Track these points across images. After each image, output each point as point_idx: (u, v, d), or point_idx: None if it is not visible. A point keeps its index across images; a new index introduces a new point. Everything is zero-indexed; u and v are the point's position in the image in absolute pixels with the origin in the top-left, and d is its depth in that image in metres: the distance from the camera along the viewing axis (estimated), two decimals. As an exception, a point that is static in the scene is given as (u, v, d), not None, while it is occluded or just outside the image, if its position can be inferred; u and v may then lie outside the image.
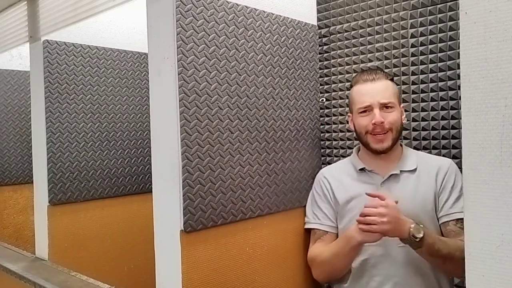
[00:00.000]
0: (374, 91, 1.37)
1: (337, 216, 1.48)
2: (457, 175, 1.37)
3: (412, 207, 1.34)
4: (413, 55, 1.51)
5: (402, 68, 1.54)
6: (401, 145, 1.47)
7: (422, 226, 1.25)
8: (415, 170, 1.39)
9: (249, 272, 1.44)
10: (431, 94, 1.48)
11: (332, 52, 1.72)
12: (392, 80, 1.44)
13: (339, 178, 1.50)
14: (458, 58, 1.36)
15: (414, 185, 1.38)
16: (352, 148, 1.61)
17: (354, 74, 1.62)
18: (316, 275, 1.52)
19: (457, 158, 1.44)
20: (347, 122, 1.54)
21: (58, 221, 2.02)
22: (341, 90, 1.70)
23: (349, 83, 1.67)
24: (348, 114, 1.50)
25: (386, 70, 1.54)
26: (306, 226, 1.57)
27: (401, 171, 1.40)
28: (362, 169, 1.45)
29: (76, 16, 1.85)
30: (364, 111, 1.38)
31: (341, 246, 1.38)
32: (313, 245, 1.52)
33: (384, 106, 1.36)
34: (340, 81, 1.70)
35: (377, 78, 1.38)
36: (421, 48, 1.49)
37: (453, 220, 1.33)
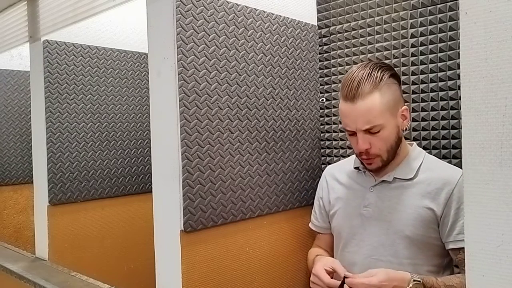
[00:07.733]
0: (354, 115, 1.18)
1: (328, 215, 1.46)
2: None
3: (399, 219, 1.23)
4: (413, 55, 1.51)
5: (402, 68, 1.53)
6: (410, 144, 1.35)
7: (419, 281, 1.12)
8: (411, 179, 1.25)
9: (249, 272, 1.44)
10: (431, 94, 1.47)
11: (332, 52, 1.72)
12: (394, 75, 1.25)
13: (338, 176, 1.46)
14: (458, 58, 1.36)
15: (407, 195, 1.24)
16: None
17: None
18: None
19: (457, 158, 1.44)
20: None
21: (58, 221, 2.02)
22: (341, 90, 1.70)
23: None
24: None
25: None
26: (309, 225, 1.57)
27: (394, 178, 1.27)
28: (357, 168, 1.38)
29: (76, 16, 1.85)
30: (350, 134, 1.25)
31: (310, 265, 1.42)
32: (313, 244, 1.55)
33: (368, 131, 1.20)
34: (340, 81, 1.69)
35: (358, 96, 1.17)
36: (421, 48, 1.49)
37: (463, 247, 1.21)
